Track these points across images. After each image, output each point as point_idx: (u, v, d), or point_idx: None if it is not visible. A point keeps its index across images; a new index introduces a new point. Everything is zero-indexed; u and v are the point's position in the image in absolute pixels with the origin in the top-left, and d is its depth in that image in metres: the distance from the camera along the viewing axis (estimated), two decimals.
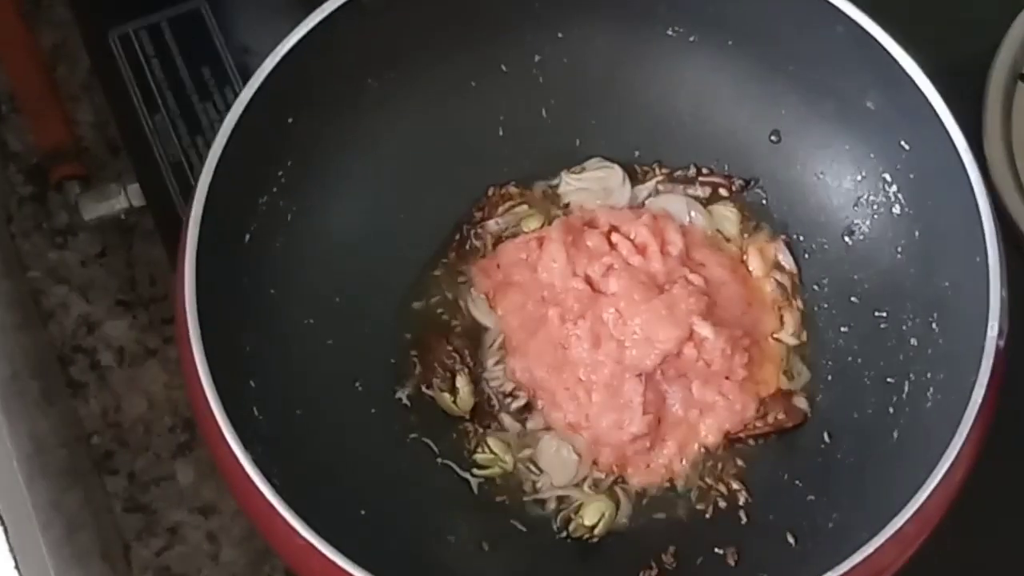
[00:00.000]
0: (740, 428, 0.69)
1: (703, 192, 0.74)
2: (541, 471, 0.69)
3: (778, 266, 0.72)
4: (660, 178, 0.74)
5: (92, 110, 0.82)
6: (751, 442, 0.69)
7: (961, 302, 0.63)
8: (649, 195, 0.74)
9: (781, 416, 0.69)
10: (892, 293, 0.68)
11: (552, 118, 0.73)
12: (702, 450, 0.69)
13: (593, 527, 0.67)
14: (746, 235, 0.73)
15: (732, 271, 0.71)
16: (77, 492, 0.71)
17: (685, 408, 0.69)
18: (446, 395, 0.69)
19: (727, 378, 0.69)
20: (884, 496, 0.60)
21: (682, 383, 0.69)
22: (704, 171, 0.74)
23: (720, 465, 0.69)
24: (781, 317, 0.71)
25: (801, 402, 0.69)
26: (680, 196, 0.74)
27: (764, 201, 0.73)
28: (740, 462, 0.69)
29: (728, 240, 0.73)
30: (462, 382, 0.69)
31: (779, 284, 0.72)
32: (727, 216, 0.73)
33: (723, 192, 0.73)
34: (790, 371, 0.70)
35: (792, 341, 0.71)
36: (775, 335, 0.71)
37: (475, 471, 0.69)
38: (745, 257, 0.72)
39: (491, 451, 0.69)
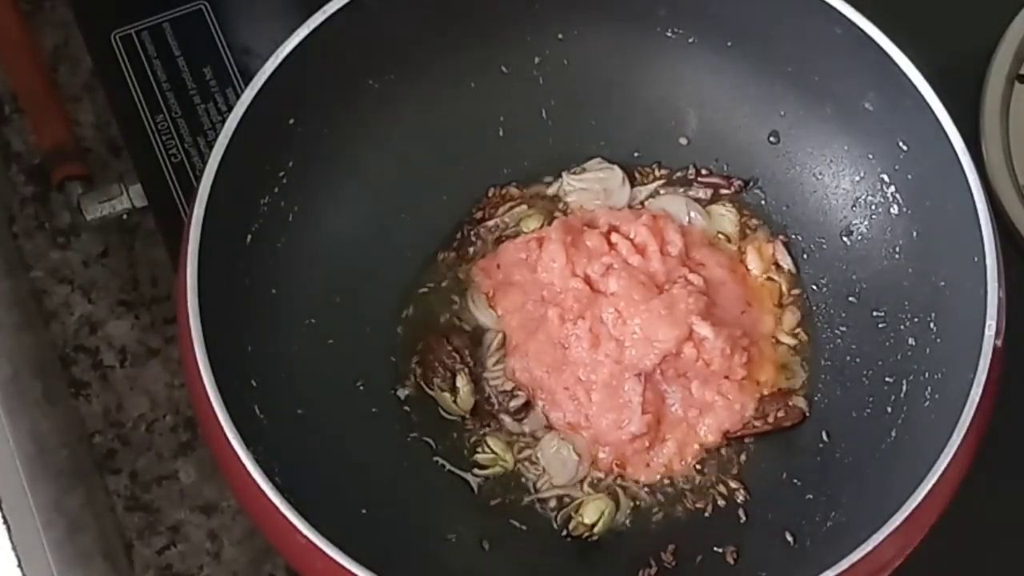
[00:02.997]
0: (739, 427, 0.69)
1: (704, 194, 0.74)
2: (541, 471, 0.69)
3: (777, 266, 0.72)
4: (660, 180, 0.74)
5: (94, 111, 0.82)
6: (750, 441, 0.69)
7: (959, 302, 0.63)
8: (649, 196, 0.74)
9: (780, 415, 0.69)
10: (890, 293, 0.69)
11: (552, 119, 0.74)
12: (702, 449, 0.69)
13: (593, 526, 0.67)
14: (745, 235, 0.73)
15: (731, 271, 0.72)
16: (79, 491, 0.72)
17: (684, 408, 0.69)
18: (446, 395, 0.70)
19: (726, 378, 0.69)
20: (882, 495, 0.60)
21: (681, 383, 0.69)
22: (703, 172, 0.74)
23: (719, 464, 0.69)
24: (780, 317, 0.72)
25: (799, 401, 0.69)
26: (680, 196, 0.74)
27: (763, 201, 0.74)
28: (740, 460, 0.69)
29: (728, 240, 0.73)
30: (462, 382, 0.69)
31: (778, 284, 0.72)
32: (725, 216, 0.73)
33: (723, 192, 0.74)
34: (789, 370, 0.71)
35: (790, 341, 0.71)
36: (774, 335, 0.71)
37: (475, 471, 0.69)
38: (744, 257, 0.73)
39: (491, 450, 0.69)
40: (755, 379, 0.70)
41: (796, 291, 0.72)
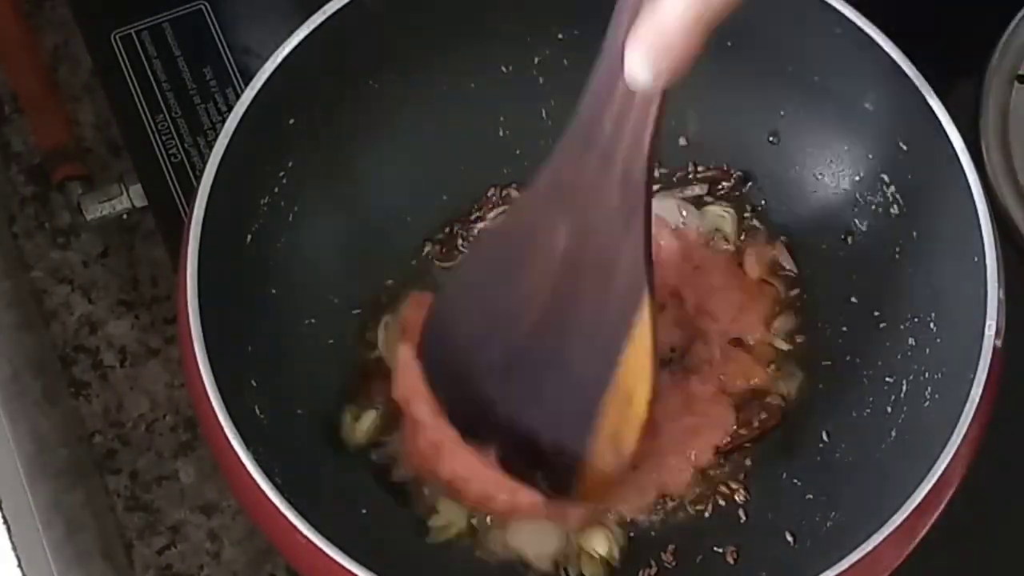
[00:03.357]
0: (728, 439, 0.69)
1: (700, 189, 0.74)
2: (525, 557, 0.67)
3: (778, 267, 0.72)
4: (658, 185, 0.73)
5: (94, 111, 0.82)
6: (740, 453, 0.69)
7: (959, 302, 0.63)
8: None
9: (763, 417, 0.69)
10: (890, 293, 0.69)
11: (552, 119, 0.73)
12: (697, 471, 0.68)
13: (607, 555, 0.66)
14: (744, 235, 0.73)
15: (728, 274, 0.71)
16: (79, 491, 0.72)
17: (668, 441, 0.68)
18: None
19: (705, 394, 0.69)
20: (882, 495, 0.60)
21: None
22: (700, 168, 0.74)
23: (717, 475, 0.69)
24: (774, 321, 0.71)
25: (773, 398, 0.69)
26: (672, 199, 0.73)
27: (763, 202, 0.73)
28: (746, 463, 0.69)
29: (726, 240, 0.73)
30: None
31: (774, 287, 0.72)
32: (724, 217, 0.73)
33: (723, 184, 0.73)
34: (784, 372, 0.70)
35: (784, 346, 0.71)
36: (768, 341, 0.71)
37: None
38: (742, 259, 0.72)
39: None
40: (745, 385, 0.69)
41: (795, 292, 0.72)
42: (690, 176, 0.74)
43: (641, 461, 0.66)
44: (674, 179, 0.74)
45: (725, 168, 0.74)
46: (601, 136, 0.56)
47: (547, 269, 0.61)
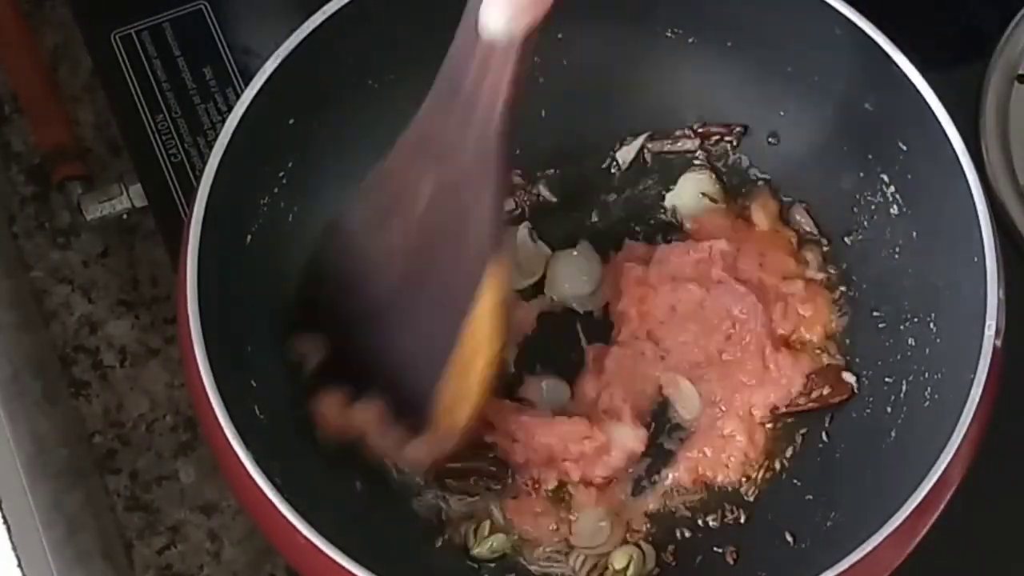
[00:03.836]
0: (786, 403, 0.68)
1: (691, 144, 0.73)
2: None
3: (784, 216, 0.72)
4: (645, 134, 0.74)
5: (94, 111, 0.82)
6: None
7: (959, 302, 0.63)
8: (635, 157, 0.74)
9: (826, 392, 0.68)
10: (890, 293, 0.69)
11: (552, 119, 0.74)
12: (764, 429, 0.69)
13: (625, 569, 0.66)
14: (739, 193, 0.73)
15: (732, 229, 0.71)
16: (79, 491, 0.71)
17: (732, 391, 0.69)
18: None
19: (781, 347, 0.69)
20: (882, 495, 0.60)
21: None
22: (697, 127, 0.74)
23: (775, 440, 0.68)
24: (802, 256, 0.71)
25: (848, 376, 0.69)
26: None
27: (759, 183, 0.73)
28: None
29: (713, 200, 0.72)
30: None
31: (789, 232, 0.72)
32: (701, 179, 0.73)
33: (725, 139, 0.73)
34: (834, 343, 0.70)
35: (821, 275, 0.70)
36: (802, 276, 0.70)
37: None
38: (748, 213, 0.72)
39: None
40: (806, 344, 0.69)
41: (813, 238, 0.72)
42: (687, 130, 0.74)
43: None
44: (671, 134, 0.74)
45: (726, 124, 0.73)
46: (463, 88, 0.58)
47: (413, 219, 0.62)
